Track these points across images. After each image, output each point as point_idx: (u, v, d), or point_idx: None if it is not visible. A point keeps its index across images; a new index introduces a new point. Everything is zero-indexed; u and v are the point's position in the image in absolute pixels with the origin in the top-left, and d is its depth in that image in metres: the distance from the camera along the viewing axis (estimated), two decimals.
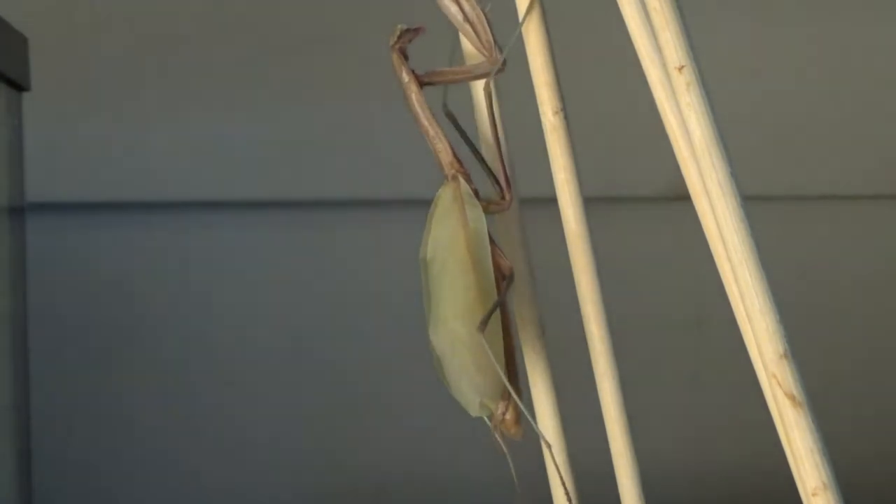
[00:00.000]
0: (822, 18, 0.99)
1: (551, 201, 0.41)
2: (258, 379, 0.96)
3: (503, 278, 0.39)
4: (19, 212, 0.74)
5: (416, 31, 0.40)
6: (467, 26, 0.40)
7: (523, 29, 0.40)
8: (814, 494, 0.32)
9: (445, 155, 0.40)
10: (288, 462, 0.96)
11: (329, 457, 0.97)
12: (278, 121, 0.94)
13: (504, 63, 0.40)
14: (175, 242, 0.95)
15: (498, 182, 0.41)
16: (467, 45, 0.42)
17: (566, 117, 0.41)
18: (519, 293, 0.42)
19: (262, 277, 0.96)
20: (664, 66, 0.35)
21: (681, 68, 0.34)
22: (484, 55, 0.40)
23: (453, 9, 0.40)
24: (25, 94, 0.74)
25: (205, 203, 0.94)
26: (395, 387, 0.96)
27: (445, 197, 0.40)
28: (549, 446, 0.41)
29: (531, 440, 0.42)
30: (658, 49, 0.35)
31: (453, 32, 0.41)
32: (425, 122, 0.40)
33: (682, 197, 0.37)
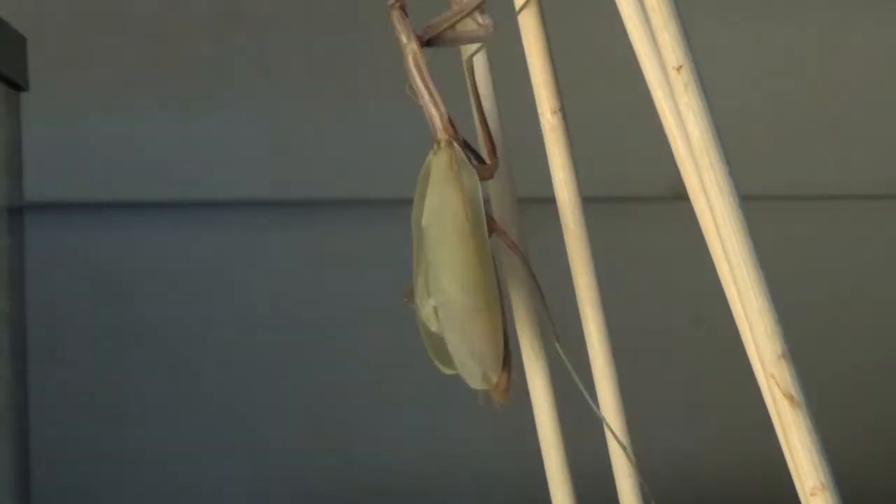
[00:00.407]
0: (820, 18, 0.99)
1: (550, 201, 0.41)
2: (258, 378, 0.96)
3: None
4: (18, 212, 0.74)
5: None
6: None
7: (521, 30, 0.40)
8: (812, 494, 0.32)
9: (440, 120, 0.39)
10: (288, 462, 0.96)
11: (329, 455, 0.97)
12: (279, 121, 0.94)
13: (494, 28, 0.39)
14: (174, 242, 0.95)
15: (474, 150, 0.40)
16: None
17: (564, 117, 0.41)
18: (517, 293, 0.41)
19: (263, 277, 0.96)
20: (662, 66, 0.35)
21: (679, 68, 0.34)
22: (477, 22, 0.39)
23: None
24: (24, 94, 0.74)
25: (203, 203, 0.94)
26: (394, 386, 0.96)
27: (440, 163, 0.39)
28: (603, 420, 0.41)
29: (531, 443, 0.42)
30: (656, 49, 0.35)
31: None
32: (421, 85, 0.39)
33: (681, 197, 0.37)
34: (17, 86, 0.72)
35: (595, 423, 0.41)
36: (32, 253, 0.78)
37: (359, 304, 0.96)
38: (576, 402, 0.43)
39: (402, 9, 0.39)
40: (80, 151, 0.92)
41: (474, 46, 0.40)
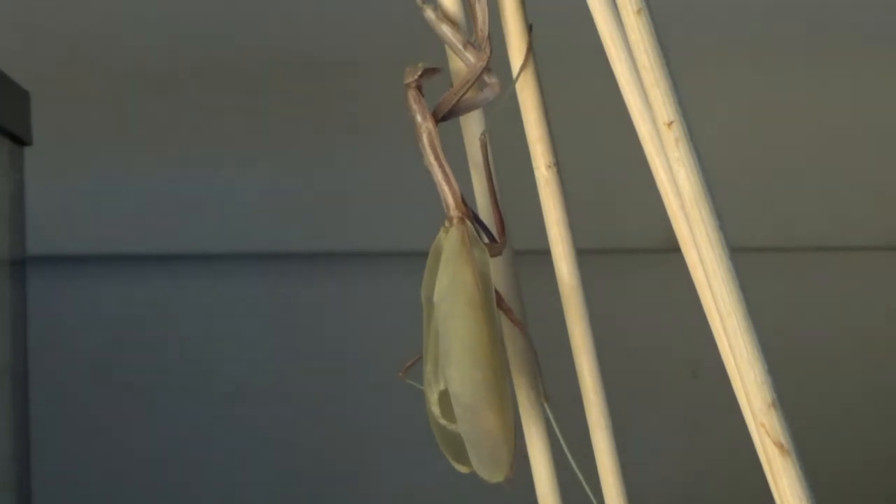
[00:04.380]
0: (812, 70, 0.99)
1: (545, 253, 0.41)
2: (257, 433, 0.96)
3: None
4: (20, 264, 0.75)
5: (435, 70, 0.40)
6: (446, 32, 0.40)
7: (517, 86, 0.41)
8: None
9: (453, 197, 0.40)
10: None
11: None
12: (277, 174, 0.95)
13: (490, 54, 0.39)
14: (175, 295, 0.95)
15: (484, 226, 0.41)
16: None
17: (559, 171, 0.41)
18: (513, 345, 0.42)
19: (261, 329, 0.96)
20: (654, 121, 0.36)
21: (670, 124, 0.35)
22: (468, 61, 0.40)
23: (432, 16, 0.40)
24: (27, 149, 0.74)
25: (204, 255, 0.95)
26: (395, 442, 0.96)
27: (453, 239, 0.39)
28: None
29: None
30: (648, 105, 0.36)
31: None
32: (435, 163, 0.40)
33: (675, 248, 0.38)
34: (20, 140, 0.73)
35: (591, 475, 0.42)
36: (33, 305, 0.78)
37: (358, 356, 0.96)
38: (572, 454, 0.43)
39: (419, 89, 0.40)
40: (82, 205, 0.93)
41: (482, 124, 0.41)
